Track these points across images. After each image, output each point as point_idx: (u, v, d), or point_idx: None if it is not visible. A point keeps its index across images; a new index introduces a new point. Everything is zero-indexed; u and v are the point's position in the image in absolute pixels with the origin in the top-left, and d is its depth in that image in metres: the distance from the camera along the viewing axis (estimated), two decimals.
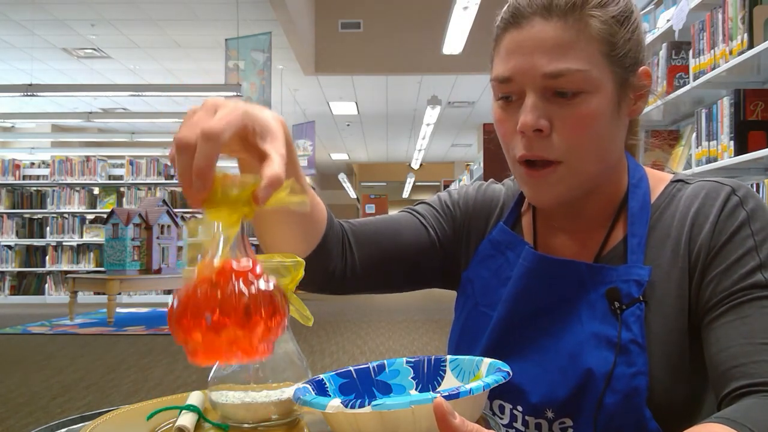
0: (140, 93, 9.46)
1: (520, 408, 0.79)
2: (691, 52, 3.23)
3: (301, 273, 0.63)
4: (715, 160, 3.02)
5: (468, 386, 0.54)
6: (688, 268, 0.76)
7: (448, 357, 0.71)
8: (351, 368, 0.71)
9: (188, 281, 0.57)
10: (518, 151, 0.76)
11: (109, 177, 9.63)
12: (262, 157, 0.57)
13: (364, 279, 0.88)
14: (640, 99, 0.79)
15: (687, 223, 0.77)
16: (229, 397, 0.66)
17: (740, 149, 2.83)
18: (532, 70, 0.73)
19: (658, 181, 0.83)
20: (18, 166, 9.58)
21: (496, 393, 0.81)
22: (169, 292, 8.69)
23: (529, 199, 0.80)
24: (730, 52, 2.86)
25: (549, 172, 0.75)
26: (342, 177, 20.03)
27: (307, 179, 0.77)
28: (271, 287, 0.57)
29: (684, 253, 0.76)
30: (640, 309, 0.74)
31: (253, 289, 0.56)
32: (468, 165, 11.58)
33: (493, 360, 0.66)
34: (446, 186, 14.02)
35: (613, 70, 0.75)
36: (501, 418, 0.81)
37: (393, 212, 0.97)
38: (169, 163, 9.49)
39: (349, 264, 0.86)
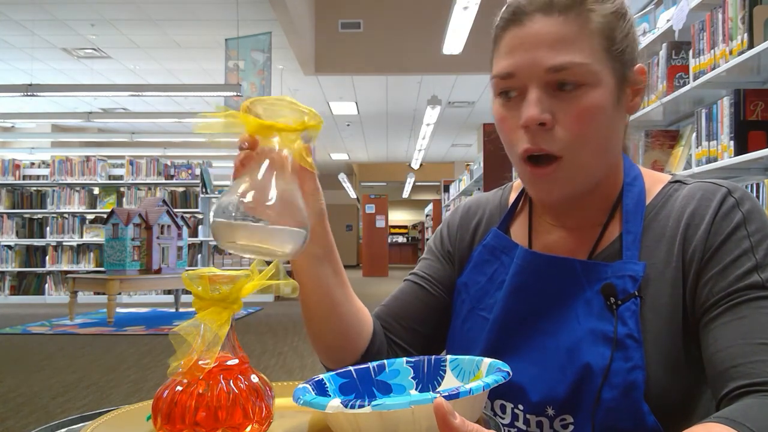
0: (140, 93, 9.46)
1: (521, 407, 0.80)
2: (691, 52, 3.23)
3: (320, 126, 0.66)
4: (715, 160, 3.02)
5: (468, 386, 0.54)
6: (682, 268, 0.76)
7: (448, 357, 0.71)
8: (351, 368, 0.71)
9: (176, 378, 0.57)
10: (521, 146, 0.77)
11: (109, 177, 9.62)
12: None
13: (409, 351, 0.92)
14: (637, 95, 0.81)
15: (682, 224, 0.77)
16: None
17: (740, 149, 2.83)
18: (534, 65, 0.74)
19: (655, 181, 0.84)
20: (18, 166, 9.58)
21: (497, 393, 0.81)
22: (169, 292, 8.69)
23: (535, 197, 0.82)
24: (730, 52, 2.86)
25: (553, 169, 0.76)
26: (342, 177, 20.02)
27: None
28: (259, 383, 0.58)
29: (678, 252, 0.76)
30: (635, 304, 0.75)
31: (242, 389, 0.56)
32: (468, 165, 11.57)
33: (493, 360, 0.66)
34: (446, 186, 14.02)
35: (613, 65, 0.76)
36: (502, 418, 0.82)
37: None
38: (168, 163, 9.50)
39: (396, 350, 0.92)
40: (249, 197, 0.62)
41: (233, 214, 0.61)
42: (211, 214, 0.61)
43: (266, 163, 0.65)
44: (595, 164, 0.78)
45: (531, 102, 0.75)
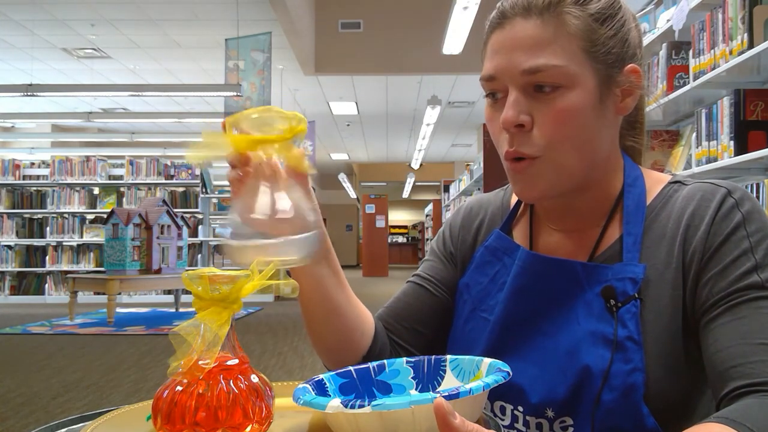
0: (140, 93, 9.46)
1: (520, 408, 0.80)
2: (691, 52, 3.23)
3: (303, 128, 0.65)
4: (715, 160, 3.01)
5: (468, 386, 0.54)
6: (683, 269, 0.76)
7: (448, 357, 0.72)
8: (351, 368, 0.71)
9: (176, 378, 0.57)
10: (504, 148, 0.78)
11: (109, 177, 9.62)
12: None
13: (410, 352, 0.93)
14: (628, 96, 0.80)
15: (682, 224, 0.77)
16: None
17: (740, 149, 2.83)
18: (512, 68, 0.75)
19: (655, 182, 0.84)
20: (18, 166, 9.58)
21: (496, 394, 0.81)
22: (169, 292, 8.69)
23: (516, 194, 0.82)
24: (730, 52, 2.86)
25: (527, 165, 0.77)
26: (342, 177, 20.01)
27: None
28: (259, 383, 0.58)
29: (678, 253, 0.76)
30: (635, 306, 0.75)
31: (242, 389, 0.56)
32: (468, 165, 11.56)
33: (493, 360, 0.66)
34: (446, 186, 14.02)
35: (595, 67, 0.76)
36: (502, 419, 0.81)
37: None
38: (168, 163, 9.50)
39: (399, 352, 0.92)
40: (256, 215, 0.62)
41: (245, 234, 0.62)
42: (219, 231, 0.61)
43: (263, 177, 0.65)
44: (574, 165, 0.77)
45: (509, 104, 0.76)
